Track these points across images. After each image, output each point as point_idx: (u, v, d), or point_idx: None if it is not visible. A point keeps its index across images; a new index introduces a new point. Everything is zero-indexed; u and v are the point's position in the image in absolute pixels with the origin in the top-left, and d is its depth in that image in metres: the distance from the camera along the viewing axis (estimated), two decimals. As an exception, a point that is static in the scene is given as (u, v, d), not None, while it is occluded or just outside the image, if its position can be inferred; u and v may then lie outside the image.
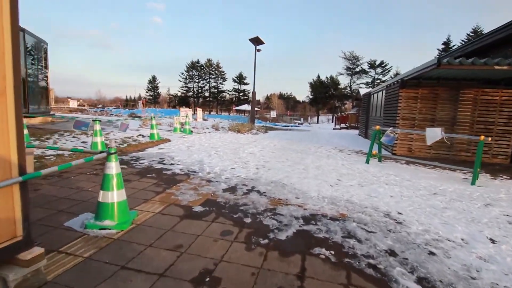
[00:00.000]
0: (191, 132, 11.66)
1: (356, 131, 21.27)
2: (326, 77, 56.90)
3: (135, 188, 4.27)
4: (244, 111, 56.29)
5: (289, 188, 4.68)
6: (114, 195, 2.98)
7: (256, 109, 55.38)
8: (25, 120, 11.23)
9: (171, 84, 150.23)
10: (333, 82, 55.70)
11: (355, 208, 3.88)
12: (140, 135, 9.67)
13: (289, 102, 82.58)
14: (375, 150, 7.48)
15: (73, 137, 8.42)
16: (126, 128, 7.86)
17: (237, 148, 8.72)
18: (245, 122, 20.67)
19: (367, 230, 3.15)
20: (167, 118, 19.18)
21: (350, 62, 51.28)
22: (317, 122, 51.35)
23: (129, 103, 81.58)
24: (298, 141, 12.24)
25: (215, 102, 71.47)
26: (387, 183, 5.36)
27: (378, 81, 49.89)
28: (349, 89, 52.54)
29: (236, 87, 71.08)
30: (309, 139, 13.71)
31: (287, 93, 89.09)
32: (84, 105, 59.27)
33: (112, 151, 2.98)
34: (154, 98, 77.43)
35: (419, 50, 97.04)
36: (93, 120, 6.76)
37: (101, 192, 2.97)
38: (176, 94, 72.82)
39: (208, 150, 7.91)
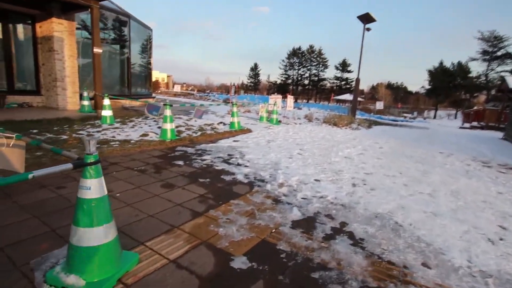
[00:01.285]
0: (278, 122, 10.26)
1: (497, 133, 16.00)
2: (452, 64, 46.92)
3: (171, 201, 3.07)
4: (344, 101, 51.97)
5: (407, 235, 2.70)
6: (92, 235, 1.74)
7: (358, 99, 50.35)
8: (127, 102, 11.87)
9: (272, 72, 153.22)
10: (461, 69, 45.47)
11: None
12: (221, 122, 8.81)
13: (398, 93, 72.46)
14: None
15: (154, 121, 8.09)
16: (201, 115, 7.01)
17: (329, 147, 6.84)
18: (345, 113, 18.13)
19: None
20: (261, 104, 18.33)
21: (490, 44, 40.37)
22: (434, 117, 43.04)
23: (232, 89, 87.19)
24: (414, 142, 9.36)
25: (314, 90, 68.63)
26: None
27: (532, 68, 37.87)
28: (484, 78, 41.83)
29: (338, 75, 66.38)
30: (429, 140, 10.50)
31: (396, 82, 78.63)
32: (194, 90, 65.55)
33: (90, 160, 1.71)
34: (254, 85, 79.89)
35: None
36: (164, 105, 6.02)
37: (72, 227, 1.77)
38: (276, 81, 73.09)
39: (291, 148, 6.32)
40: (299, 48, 68.44)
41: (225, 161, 4.80)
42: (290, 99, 10.94)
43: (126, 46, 12.06)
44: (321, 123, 11.71)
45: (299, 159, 5.36)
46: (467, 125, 22.63)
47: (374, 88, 71.45)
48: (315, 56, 67.44)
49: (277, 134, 8.06)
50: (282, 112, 11.90)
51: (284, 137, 7.75)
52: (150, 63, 14.58)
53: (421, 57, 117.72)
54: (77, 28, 9.84)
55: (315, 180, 4.17)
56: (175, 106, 11.08)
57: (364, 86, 71.84)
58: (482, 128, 20.21)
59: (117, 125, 7.13)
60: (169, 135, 5.97)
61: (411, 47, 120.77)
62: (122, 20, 11.76)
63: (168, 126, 5.98)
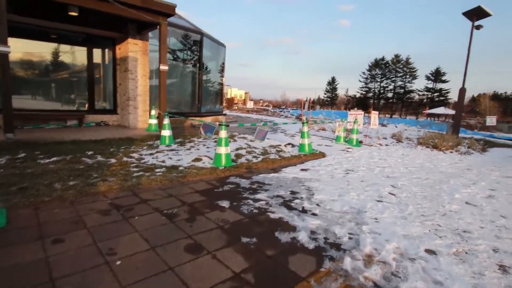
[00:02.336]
0: (359, 143, 8.48)
1: None
2: None
3: (186, 284, 1.92)
4: (438, 115, 45.02)
5: None
6: None
7: (450, 112, 42.97)
8: (196, 119, 11.68)
9: (351, 85, 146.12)
10: None
11: None
12: (289, 144, 7.56)
13: (508, 105, 59.73)
14: None
15: (215, 141, 7.34)
16: (264, 136, 5.88)
17: (435, 183, 4.92)
18: (442, 131, 14.94)
19: None
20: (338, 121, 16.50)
21: None
22: None
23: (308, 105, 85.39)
24: None
25: (400, 104, 61.87)
26: None
27: None
28: None
29: (430, 85, 58.51)
30: None
31: (506, 92, 65.44)
32: (269, 106, 66.23)
33: None
34: (331, 99, 76.71)
35: None
36: (219, 125, 5.11)
37: None
38: (355, 95, 68.71)
39: (379, 183, 4.66)
40: (383, 59, 63.19)
41: (286, 204, 3.51)
42: (374, 115, 9.05)
43: (197, 62, 12.04)
44: (416, 144, 9.38)
45: (393, 204, 3.72)
46: None
47: (474, 100, 60.64)
48: (401, 66, 61.19)
49: (358, 161, 6.39)
50: (364, 130, 10.02)
51: (368, 165, 6.05)
52: (222, 80, 14.45)
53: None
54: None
55: (428, 251, 2.53)
56: (245, 124, 10.37)
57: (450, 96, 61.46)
58: None
59: (174, 146, 6.56)
60: (223, 161, 5.00)
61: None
62: (194, 37, 11.79)
63: (223, 150, 5.02)
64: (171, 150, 6.12)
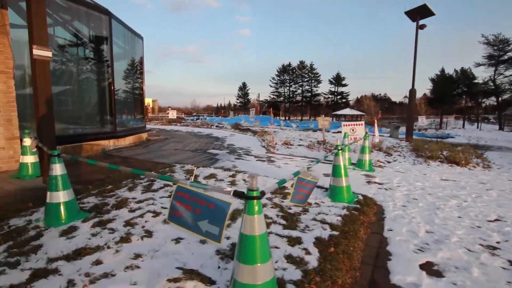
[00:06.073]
0: (372, 167, 6.07)
1: None
2: (455, 70, 45.12)
3: None
4: (345, 116, 48.83)
5: None
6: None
7: (356, 113, 47.23)
8: (110, 142, 7.53)
9: (261, 90, 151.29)
10: (465, 76, 43.67)
11: None
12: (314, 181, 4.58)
13: (383, 104, 70.49)
14: None
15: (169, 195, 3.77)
16: (308, 196, 2.79)
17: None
18: (380, 135, 14.43)
19: None
20: (271, 127, 14.11)
21: (495, 48, 38.62)
22: (463, 126, 39.92)
23: (219, 110, 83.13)
24: None
25: (308, 107, 65.63)
26: None
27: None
28: (491, 83, 39.78)
29: (333, 89, 63.85)
30: None
31: (379, 94, 77.58)
32: (181, 114, 61.22)
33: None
34: (244, 105, 76.40)
35: None
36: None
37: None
38: (266, 99, 69.93)
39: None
40: (289, 65, 66.01)
41: None
42: (376, 127, 6.84)
43: (105, 59, 7.79)
44: (424, 159, 7.39)
45: None
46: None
47: (359, 101, 69.16)
48: (306, 72, 65.03)
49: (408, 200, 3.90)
50: (354, 146, 7.75)
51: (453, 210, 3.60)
52: (141, 84, 10.32)
53: (397, 67, 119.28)
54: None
55: None
56: (185, 142, 6.94)
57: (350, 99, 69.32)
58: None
59: (82, 225, 2.80)
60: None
61: (395, 56, 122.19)
62: (98, 20, 7.57)
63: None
64: (72, 238, 2.38)
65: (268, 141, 9.79)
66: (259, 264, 1.65)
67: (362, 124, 6.54)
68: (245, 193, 1.64)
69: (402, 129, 16.36)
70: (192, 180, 1.85)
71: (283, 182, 2.08)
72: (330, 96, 64.29)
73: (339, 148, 3.78)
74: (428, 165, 6.89)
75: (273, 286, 1.72)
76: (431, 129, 29.23)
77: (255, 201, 1.63)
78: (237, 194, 1.65)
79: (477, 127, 36.93)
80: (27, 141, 4.62)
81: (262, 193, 1.65)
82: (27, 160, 4.63)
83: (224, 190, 1.68)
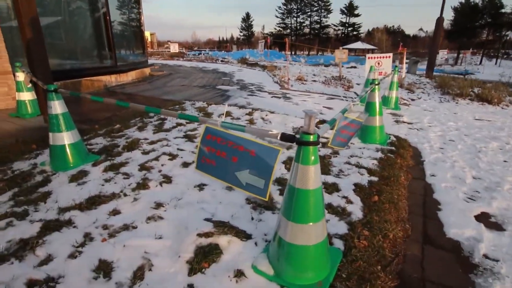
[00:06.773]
0: (398, 105, 5.59)
1: None
2: (481, -2, 40.74)
3: None
4: (355, 50, 45.88)
5: None
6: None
7: (370, 48, 44.06)
8: (112, 78, 7.02)
9: (266, 22, 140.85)
10: (492, 3, 39.58)
11: None
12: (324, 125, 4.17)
13: (396, 37, 65.74)
14: None
15: (186, 138, 3.45)
16: (351, 138, 2.43)
17: None
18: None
19: None
20: (278, 61, 13.16)
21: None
22: (480, 63, 37.59)
23: (222, 44, 78.50)
24: None
25: (317, 40, 61.63)
26: None
27: None
28: (519, 12, 36.25)
29: (344, 20, 59.01)
30: None
31: (393, 26, 71.61)
32: (182, 49, 58.27)
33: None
34: (247, 38, 71.97)
35: None
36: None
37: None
38: (272, 32, 65.45)
39: None
40: (298, -9, 59.93)
41: None
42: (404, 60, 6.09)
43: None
44: (452, 96, 6.79)
45: None
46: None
47: (370, 34, 64.36)
48: (315, 0, 59.34)
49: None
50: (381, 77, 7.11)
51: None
52: (139, 16, 9.20)
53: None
54: None
55: None
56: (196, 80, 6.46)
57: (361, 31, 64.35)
58: None
59: (93, 169, 2.53)
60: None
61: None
62: None
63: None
64: (87, 194, 2.12)
65: (280, 76, 9.13)
66: (311, 223, 1.36)
67: (390, 57, 5.85)
68: (298, 137, 1.26)
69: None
70: (223, 120, 1.46)
71: (334, 121, 1.70)
72: (341, 28, 59.78)
73: (377, 82, 3.28)
74: (457, 103, 6.38)
75: (325, 247, 1.46)
76: (446, 65, 27.60)
77: (311, 147, 1.26)
78: (287, 138, 1.27)
79: (495, 63, 34.81)
80: (20, 76, 4.14)
81: (318, 138, 1.27)
82: (24, 98, 4.22)
83: (269, 133, 1.29)
